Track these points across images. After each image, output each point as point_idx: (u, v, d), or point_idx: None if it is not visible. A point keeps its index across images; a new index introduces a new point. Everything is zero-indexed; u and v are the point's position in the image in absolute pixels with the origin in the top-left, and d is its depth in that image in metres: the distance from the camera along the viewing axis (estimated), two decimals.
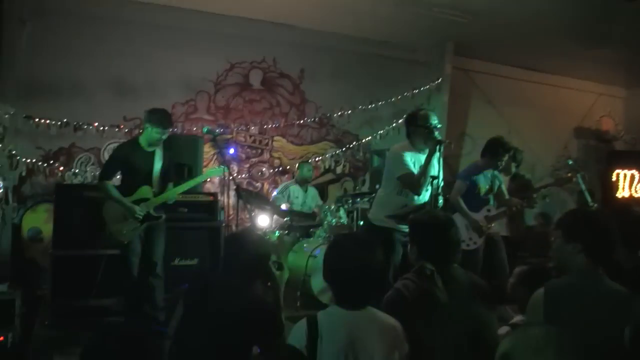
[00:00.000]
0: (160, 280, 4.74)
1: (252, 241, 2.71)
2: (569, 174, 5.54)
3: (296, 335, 2.22)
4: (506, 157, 5.53)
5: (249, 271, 2.62)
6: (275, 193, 7.02)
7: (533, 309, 2.38)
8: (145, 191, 4.65)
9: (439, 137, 4.26)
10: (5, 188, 5.53)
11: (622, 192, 9.37)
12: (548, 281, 2.44)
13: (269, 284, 2.88)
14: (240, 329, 2.35)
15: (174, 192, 4.78)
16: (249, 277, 2.62)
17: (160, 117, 4.58)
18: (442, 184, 4.37)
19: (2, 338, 4.29)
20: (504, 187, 5.71)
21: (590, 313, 2.25)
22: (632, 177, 9.43)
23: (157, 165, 4.70)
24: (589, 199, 5.29)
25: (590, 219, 2.52)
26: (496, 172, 5.61)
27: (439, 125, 4.37)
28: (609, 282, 2.39)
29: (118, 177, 4.80)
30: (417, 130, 4.40)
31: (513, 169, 6.26)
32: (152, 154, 4.67)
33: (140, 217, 4.57)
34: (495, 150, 5.46)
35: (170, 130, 4.73)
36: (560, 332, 1.38)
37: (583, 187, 5.47)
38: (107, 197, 4.58)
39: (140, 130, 6.48)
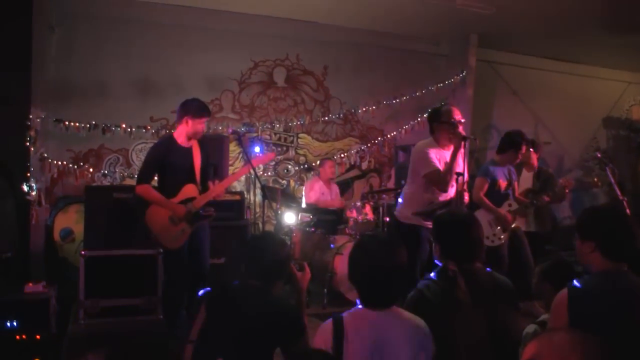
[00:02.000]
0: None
1: (273, 245, 2.71)
2: (595, 179, 5.48)
3: (322, 335, 2.24)
4: (525, 151, 5.50)
5: (270, 274, 2.63)
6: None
7: (557, 311, 2.36)
8: (190, 190, 4.44)
9: (463, 133, 4.25)
10: (38, 190, 5.67)
11: None
12: (571, 279, 2.41)
13: (289, 286, 2.90)
14: (262, 332, 2.38)
15: (222, 187, 4.55)
16: (270, 280, 2.63)
17: (199, 106, 4.39)
18: (466, 180, 4.36)
19: (38, 336, 4.42)
20: (516, 184, 5.69)
21: (614, 312, 2.22)
22: None
23: (197, 161, 4.50)
24: (618, 192, 5.21)
25: (601, 216, 2.49)
26: (512, 167, 5.59)
27: (462, 120, 4.35)
28: (635, 279, 2.35)
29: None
30: (440, 127, 4.39)
31: (535, 162, 6.19)
32: (190, 149, 4.47)
33: (193, 219, 4.37)
34: (512, 144, 5.43)
35: (209, 117, 4.57)
36: (585, 337, 1.37)
37: (612, 180, 5.40)
38: (151, 201, 4.35)
39: (167, 130, 6.66)
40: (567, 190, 5.64)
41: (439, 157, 4.37)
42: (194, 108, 4.37)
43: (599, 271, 2.38)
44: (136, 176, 6.25)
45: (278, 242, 2.78)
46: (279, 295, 2.69)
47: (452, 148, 4.31)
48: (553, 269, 3.12)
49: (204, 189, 4.53)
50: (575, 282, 2.38)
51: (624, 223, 2.42)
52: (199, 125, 4.40)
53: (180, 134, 4.45)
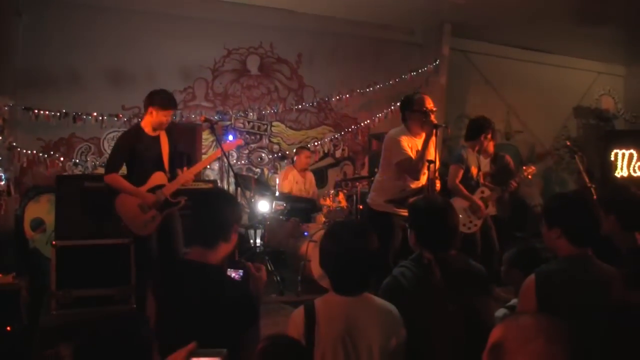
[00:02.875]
0: None
1: (218, 200, 2.46)
2: (548, 148, 5.58)
3: (294, 322, 2.25)
4: (490, 135, 5.59)
5: (211, 235, 2.36)
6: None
7: (525, 296, 2.42)
8: (159, 177, 4.45)
9: (435, 122, 4.28)
10: (7, 180, 5.57)
11: (621, 172, 9.38)
12: (538, 265, 2.47)
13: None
14: (215, 312, 2.17)
15: (191, 174, 4.55)
16: (214, 242, 2.35)
17: (165, 98, 4.37)
18: (438, 167, 4.40)
19: (9, 328, 4.37)
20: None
21: (580, 297, 2.28)
22: (631, 156, 9.43)
23: (165, 149, 4.51)
24: (586, 179, 5.32)
25: (567, 203, 2.54)
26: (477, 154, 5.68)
27: (434, 109, 4.38)
28: (599, 264, 2.42)
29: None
30: (413, 115, 4.41)
31: (491, 148, 6.26)
32: (157, 138, 4.48)
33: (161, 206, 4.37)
34: (481, 130, 5.52)
35: (175, 110, 4.53)
36: (550, 320, 1.40)
37: (580, 167, 5.51)
38: (120, 190, 4.34)
39: (139, 119, 6.59)
40: (530, 177, 5.75)
41: (411, 145, 4.40)
42: (159, 99, 4.36)
43: (565, 256, 2.44)
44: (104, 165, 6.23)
45: (223, 198, 2.57)
46: (224, 262, 2.48)
47: (423, 136, 4.35)
48: (521, 255, 3.18)
49: (172, 176, 4.55)
50: (543, 267, 2.43)
51: (589, 209, 2.48)
52: (163, 117, 4.38)
53: (147, 124, 4.45)
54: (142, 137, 4.42)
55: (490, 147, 6.18)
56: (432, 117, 4.31)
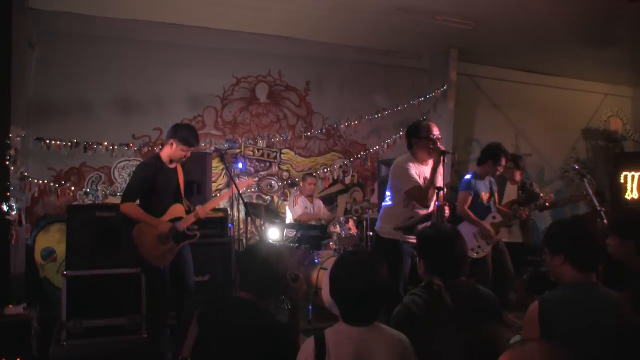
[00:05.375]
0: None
1: (270, 257, 2.61)
2: (585, 193, 5.58)
3: (304, 353, 2.24)
4: (505, 163, 5.60)
5: (265, 288, 2.55)
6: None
7: (529, 322, 2.40)
8: (177, 210, 4.45)
9: (443, 148, 4.29)
10: (19, 209, 5.61)
11: (631, 194, 9.30)
12: (543, 292, 2.46)
13: (283, 298, 2.85)
14: (254, 350, 2.33)
15: (207, 209, 4.58)
16: (265, 294, 2.56)
17: (187, 135, 4.35)
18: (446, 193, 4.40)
19: (19, 359, 4.37)
20: (496, 195, 5.79)
21: (584, 323, 2.27)
22: None
23: (181, 180, 4.53)
24: (596, 202, 5.30)
25: (568, 229, 2.54)
26: (492, 179, 5.68)
27: (440, 137, 4.40)
28: (604, 289, 2.41)
29: None
30: (420, 142, 4.42)
31: (518, 177, 6.32)
32: (175, 170, 4.51)
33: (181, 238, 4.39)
34: (490, 155, 5.53)
35: (196, 147, 4.52)
36: (556, 348, 1.40)
37: (590, 190, 5.49)
38: (136, 220, 4.30)
39: (149, 148, 6.64)
40: (547, 204, 5.74)
41: (419, 172, 4.40)
42: (182, 135, 4.36)
43: (569, 282, 2.43)
44: (121, 194, 6.24)
45: (275, 254, 2.66)
46: (273, 310, 2.64)
47: (430, 163, 4.36)
48: (533, 282, 3.17)
49: (189, 208, 4.56)
50: (547, 294, 2.43)
51: (591, 235, 2.47)
52: (182, 152, 4.38)
53: (165, 155, 4.46)
54: (162, 168, 4.42)
55: (517, 176, 6.23)
56: (439, 143, 4.32)
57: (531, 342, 1.47)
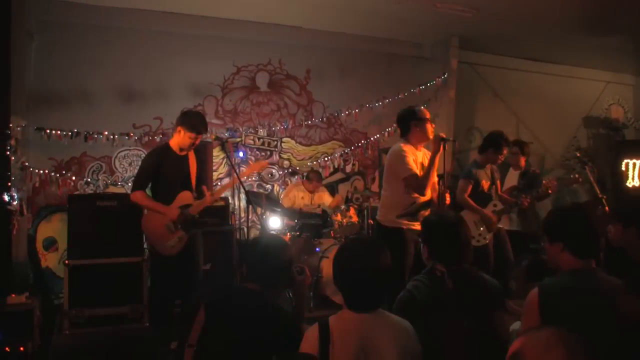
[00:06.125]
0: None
1: (277, 248, 2.64)
2: (576, 175, 5.57)
3: (308, 340, 2.25)
4: (506, 152, 5.60)
5: (272, 279, 2.58)
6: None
7: (529, 309, 2.41)
8: (185, 197, 4.46)
9: (444, 136, 4.28)
10: (20, 199, 5.61)
11: (632, 182, 9.32)
12: (541, 280, 2.47)
13: (290, 292, 2.86)
14: (261, 339, 2.34)
15: (217, 196, 4.60)
16: (272, 285, 2.58)
17: (195, 122, 4.36)
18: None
19: (22, 348, 4.38)
20: (498, 183, 5.78)
21: (584, 309, 2.27)
22: None
23: (193, 168, 4.53)
24: (597, 190, 5.30)
25: (566, 216, 2.56)
26: (494, 166, 5.68)
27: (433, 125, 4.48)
28: (603, 275, 2.42)
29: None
30: (414, 126, 4.43)
31: (522, 162, 6.31)
32: (186, 157, 4.50)
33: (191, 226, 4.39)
34: (491, 144, 5.53)
35: (204, 135, 4.50)
36: (569, 334, 1.41)
37: (591, 179, 5.48)
38: (144, 208, 4.34)
39: (150, 137, 6.63)
40: (550, 192, 5.73)
41: (414, 158, 4.41)
42: (189, 121, 4.37)
43: (568, 270, 2.43)
44: (122, 184, 6.24)
45: (281, 245, 2.69)
46: (280, 301, 2.65)
47: (422, 148, 4.44)
48: (531, 270, 3.18)
49: (198, 195, 4.56)
50: (546, 281, 2.43)
51: (589, 221, 2.48)
52: (189, 139, 4.38)
53: (175, 143, 4.47)
54: (169, 155, 4.44)
55: (521, 161, 6.23)
56: (430, 127, 4.41)
57: (545, 328, 1.48)
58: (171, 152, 4.44)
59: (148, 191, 4.55)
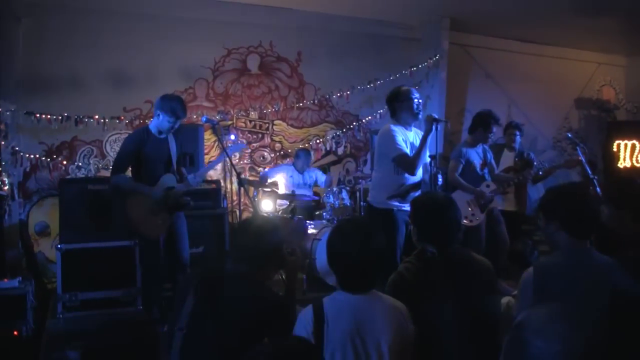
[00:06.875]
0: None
1: (266, 230, 2.61)
2: (579, 157, 5.59)
3: (302, 322, 2.26)
4: (494, 130, 5.63)
5: (263, 261, 2.55)
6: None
7: (523, 289, 2.43)
8: (168, 179, 4.45)
9: (436, 116, 4.29)
10: (11, 184, 5.58)
11: (624, 163, 9.38)
12: (529, 258, 2.49)
13: (281, 273, 2.85)
14: (251, 322, 2.32)
15: (201, 176, 4.61)
16: (262, 267, 2.56)
17: (173, 106, 4.33)
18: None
19: (16, 332, 4.38)
20: (493, 162, 5.80)
21: (578, 288, 2.29)
22: (633, 146, 9.43)
23: (173, 151, 4.52)
24: (589, 170, 5.32)
25: (563, 195, 2.55)
26: (486, 147, 5.70)
27: (420, 100, 4.47)
28: (598, 255, 2.42)
29: None
30: (403, 105, 4.44)
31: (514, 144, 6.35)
32: (165, 140, 4.49)
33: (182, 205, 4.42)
34: (480, 123, 5.55)
35: (183, 119, 4.50)
36: (573, 308, 1.45)
37: (583, 159, 5.51)
38: (125, 190, 4.32)
39: (141, 120, 6.59)
40: (540, 173, 5.79)
41: (404, 137, 4.41)
42: (166, 106, 4.34)
43: (564, 248, 2.44)
44: (111, 167, 6.21)
45: (272, 227, 2.67)
46: (272, 283, 2.65)
47: (412, 127, 4.45)
48: (515, 252, 3.21)
49: (181, 177, 4.57)
50: (541, 260, 2.45)
51: (586, 201, 2.48)
52: (167, 123, 4.37)
53: (153, 126, 4.46)
54: (149, 138, 4.42)
55: (513, 139, 6.27)
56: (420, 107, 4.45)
57: (550, 303, 1.52)
58: (151, 135, 4.43)
59: (128, 174, 4.54)
